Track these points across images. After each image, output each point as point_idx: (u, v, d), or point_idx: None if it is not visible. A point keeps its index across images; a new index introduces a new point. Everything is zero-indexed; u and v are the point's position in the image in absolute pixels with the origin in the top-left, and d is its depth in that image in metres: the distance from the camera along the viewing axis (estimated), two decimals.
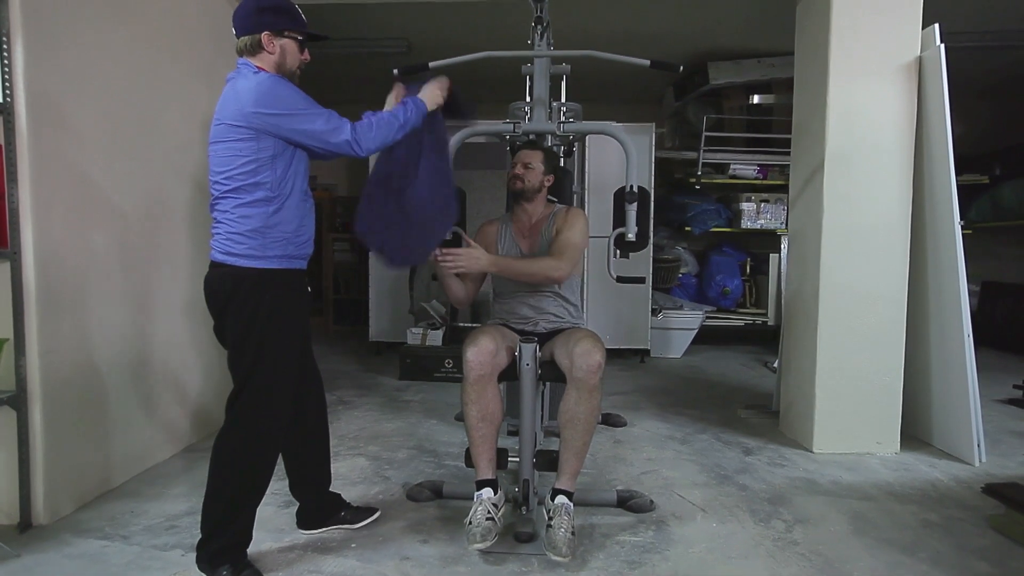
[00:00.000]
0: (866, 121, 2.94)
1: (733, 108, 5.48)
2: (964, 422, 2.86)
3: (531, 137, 2.62)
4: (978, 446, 2.85)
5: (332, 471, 2.25)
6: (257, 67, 1.83)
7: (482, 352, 2.09)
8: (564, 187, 2.91)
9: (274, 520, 2.24)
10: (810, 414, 3.04)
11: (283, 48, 1.87)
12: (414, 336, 4.63)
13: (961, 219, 2.89)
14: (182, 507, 2.36)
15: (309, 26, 1.94)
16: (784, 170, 5.34)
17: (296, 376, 1.94)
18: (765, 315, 5.64)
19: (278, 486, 2.28)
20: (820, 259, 2.98)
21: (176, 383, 2.95)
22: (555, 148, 2.91)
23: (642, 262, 4.90)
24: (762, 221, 5.57)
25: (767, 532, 2.22)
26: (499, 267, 2.29)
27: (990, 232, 5.68)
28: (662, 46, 4.81)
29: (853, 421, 3.00)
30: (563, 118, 2.61)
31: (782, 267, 5.30)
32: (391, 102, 2.12)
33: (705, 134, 5.29)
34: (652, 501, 2.41)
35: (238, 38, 1.86)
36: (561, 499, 2.06)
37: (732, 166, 5.52)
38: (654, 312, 5.20)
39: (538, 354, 2.14)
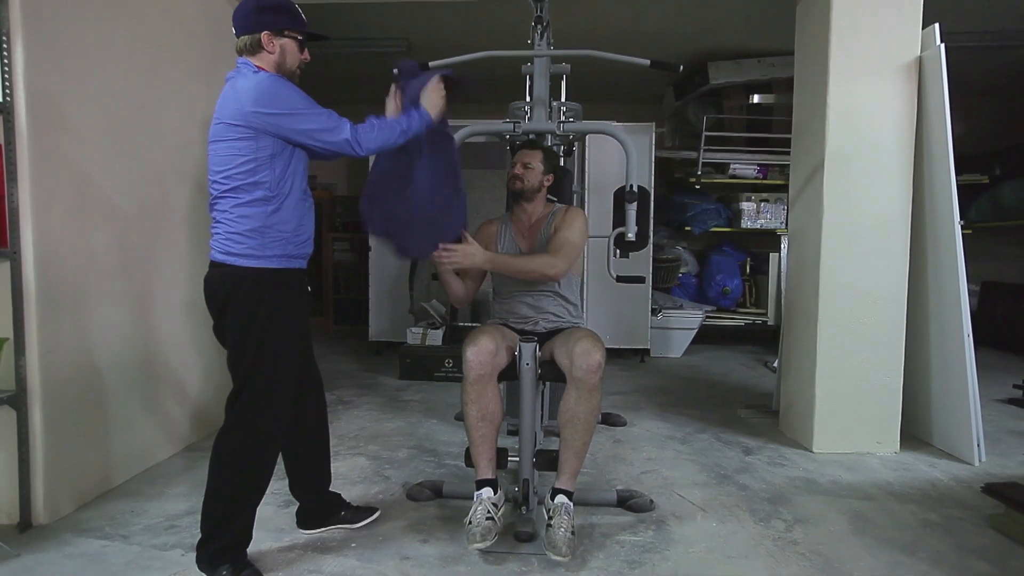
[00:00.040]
0: (866, 121, 2.94)
1: (733, 108, 5.48)
2: (964, 422, 2.86)
3: (531, 137, 2.62)
4: (978, 446, 2.85)
5: (332, 471, 2.25)
6: (257, 67, 1.83)
7: (482, 352, 2.09)
8: (564, 187, 2.91)
9: (274, 520, 2.24)
10: (810, 414, 3.04)
11: (283, 48, 1.87)
12: (414, 336, 4.63)
13: (961, 219, 2.89)
14: (182, 507, 2.36)
15: (309, 26, 1.94)
16: (784, 170, 5.35)
17: (296, 376, 1.94)
18: (765, 315, 5.64)
19: (278, 486, 2.28)
20: (820, 259, 2.98)
21: (176, 383, 2.95)
22: (555, 148, 2.91)
23: (642, 262, 4.90)
24: (762, 221, 5.57)
25: (767, 532, 2.22)
26: (495, 264, 2.29)
27: (990, 232, 5.68)
28: (662, 46, 4.81)
29: (853, 421, 3.00)
30: (563, 118, 2.61)
31: (782, 267, 5.30)
32: (391, 107, 2.13)
33: (705, 134, 5.29)
34: (652, 501, 2.41)
35: (238, 37, 1.86)
36: (561, 499, 2.06)
37: (732, 166, 5.52)
38: (654, 312, 5.20)
39: (538, 354, 2.14)
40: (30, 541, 2.08)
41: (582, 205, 4.78)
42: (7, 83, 2.06)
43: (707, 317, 5.50)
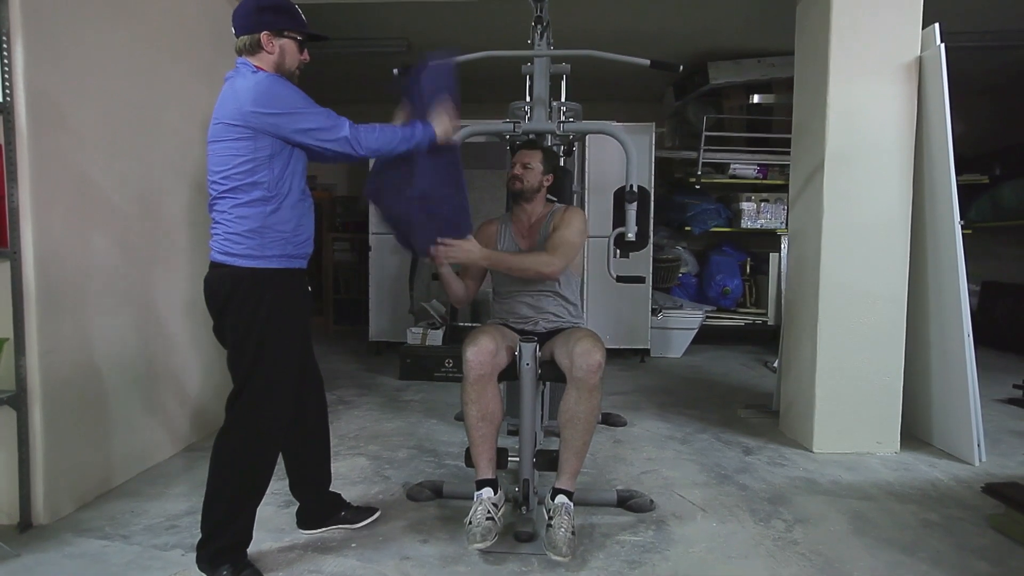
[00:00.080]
0: (866, 121, 2.94)
1: (733, 108, 5.48)
2: (964, 422, 2.86)
3: (531, 137, 2.62)
4: (978, 446, 2.85)
5: (332, 471, 2.25)
6: (256, 67, 1.83)
7: (482, 352, 2.09)
8: (564, 186, 2.91)
9: (274, 520, 2.24)
10: (810, 414, 3.04)
11: (282, 48, 1.87)
12: (414, 336, 4.63)
13: (961, 219, 2.89)
14: (182, 507, 2.36)
15: (309, 26, 1.94)
16: (784, 170, 5.34)
17: (296, 376, 1.94)
18: (765, 315, 5.63)
19: (278, 486, 2.28)
20: (820, 259, 2.98)
21: (176, 382, 2.95)
22: (555, 148, 2.91)
23: (642, 262, 4.90)
24: (762, 221, 5.57)
25: (767, 532, 2.22)
26: (491, 260, 2.29)
27: (990, 232, 5.68)
28: (662, 46, 4.81)
29: (853, 421, 3.00)
30: (563, 118, 2.61)
31: (782, 267, 5.30)
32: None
33: (705, 134, 5.28)
34: (652, 501, 2.41)
35: (237, 37, 1.86)
36: (561, 499, 2.06)
37: (732, 166, 5.52)
38: (654, 312, 5.20)
39: (538, 354, 2.14)
40: (30, 541, 2.08)
41: (582, 205, 4.78)
42: (7, 83, 2.06)
43: (707, 317, 5.49)
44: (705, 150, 5.37)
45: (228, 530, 1.83)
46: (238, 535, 1.86)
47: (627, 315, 5.09)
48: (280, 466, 2.00)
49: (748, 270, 5.87)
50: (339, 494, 2.25)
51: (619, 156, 2.56)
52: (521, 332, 2.34)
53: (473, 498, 2.09)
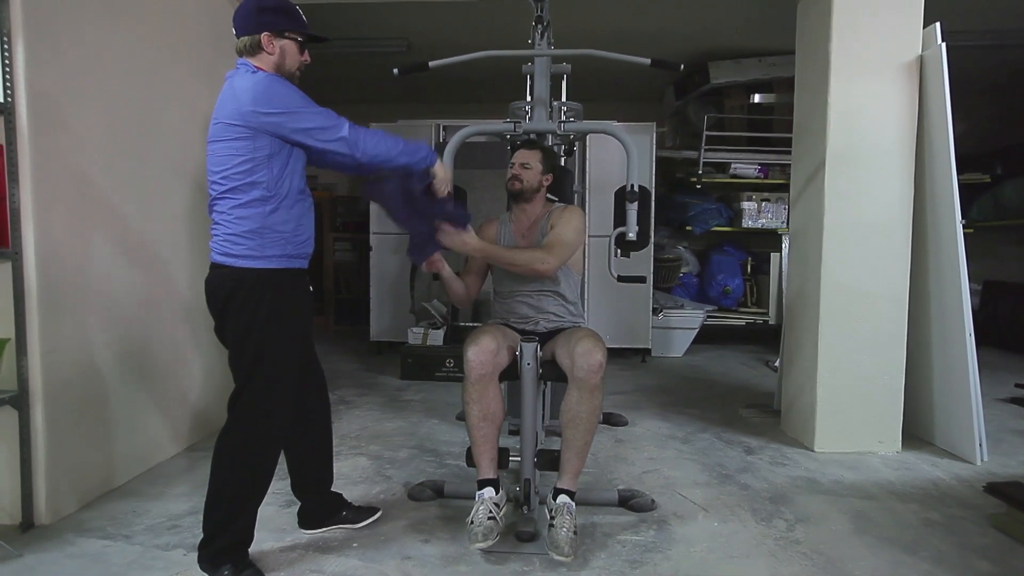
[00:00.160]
0: (867, 120, 2.94)
1: (734, 107, 5.48)
2: (966, 421, 2.86)
3: (531, 136, 2.62)
4: (980, 445, 2.84)
5: (334, 470, 2.25)
6: (256, 67, 1.83)
7: (483, 351, 2.09)
8: (564, 186, 2.91)
9: (276, 520, 2.24)
10: (811, 413, 3.04)
11: (283, 49, 1.87)
12: (415, 336, 4.64)
13: (963, 218, 2.89)
14: (184, 507, 2.36)
15: (309, 26, 1.94)
16: (785, 169, 5.34)
17: (297, 376, 1.94)
18: (766, 314, 5.63)
19: (279, 486, 2.29)
20: (821, 258, 2.98)
21: (178, 382, 2.95)
22: (556, 147, 2.91)
23: (643, 261, 4.90)
24: (763, 220, 5.56)
25: (769, 531, 2.22)
26: (486, 252, 2.29)
27: (992, 231, 5.67)
28: (663, 45, 4.80)
29: (854, 420, 3.00)
30: (564, 117, 2.61)
31: (783, 266, 5.29)
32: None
33: (706, 133, 5.28)
34: (654, 500, 2.41)
35: (238, 38, 1.86)
36: (563, 498, 2.06)
37: (733, 165, 5.52)
38: (655, 311, 5.20)
39: (539, 353, 2.14)
40: (32, 541, 2.08)
41: (583, 205, 4.77)
42: (8, 83, 2.06)
43: (708, 317, 5.49)
44: (706, 149, 5.37)
45: (229, 530, 1.83)
46: (239, 535, 1.86)
47: (628, 315, 5.08)
48: (282, 466, 2.00)
49: (749, 270, 5.86)
50: (340, 494, 2.25)
51: (620, 156, 2.57)
52: (522, 332, 2.33)
53: (474, 498, 2.09)
